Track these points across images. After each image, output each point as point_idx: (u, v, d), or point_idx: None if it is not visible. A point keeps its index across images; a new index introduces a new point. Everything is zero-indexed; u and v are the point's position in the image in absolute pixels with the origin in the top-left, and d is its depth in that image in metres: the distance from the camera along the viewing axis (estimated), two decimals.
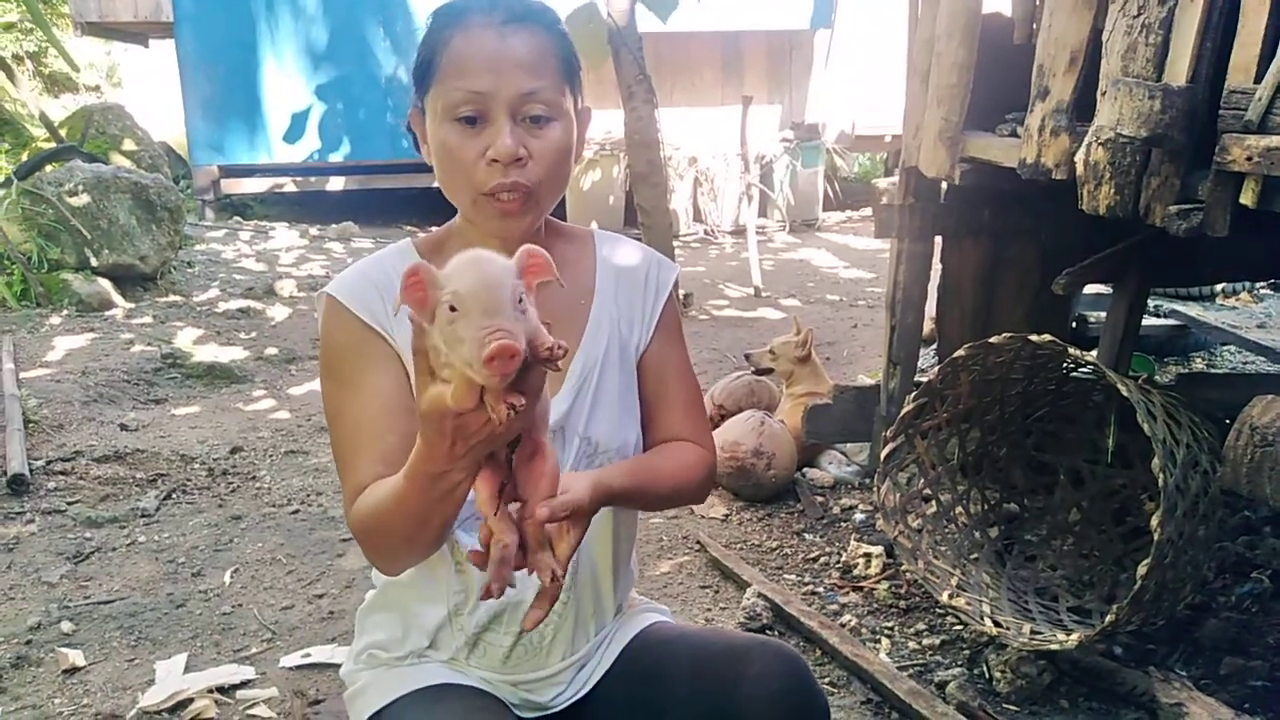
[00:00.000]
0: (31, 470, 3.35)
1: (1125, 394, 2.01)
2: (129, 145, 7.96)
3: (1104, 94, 1.95)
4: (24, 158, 6.62)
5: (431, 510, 1.02)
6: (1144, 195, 1.92)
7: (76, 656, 2.33)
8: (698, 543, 2.97)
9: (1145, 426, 1.95)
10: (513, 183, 1.13)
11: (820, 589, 2.70)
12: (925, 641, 2.42)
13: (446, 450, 0.93)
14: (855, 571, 2.76)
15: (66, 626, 2.48)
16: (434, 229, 1.33)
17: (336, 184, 9.20)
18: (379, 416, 1.16)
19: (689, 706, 1.20)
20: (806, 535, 3.05)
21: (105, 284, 5.69)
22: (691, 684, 1.22)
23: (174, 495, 3.32)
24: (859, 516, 3.13)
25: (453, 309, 0.83)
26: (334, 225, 8.57)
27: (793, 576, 2.78)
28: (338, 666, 2.11)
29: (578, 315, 1.28)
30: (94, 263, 5.71)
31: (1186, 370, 4.55)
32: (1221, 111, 1.74)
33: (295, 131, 9.01)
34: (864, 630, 2.48)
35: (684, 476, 1.29)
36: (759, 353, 3.86)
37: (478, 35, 1.11)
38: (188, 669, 2.30)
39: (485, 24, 1.11)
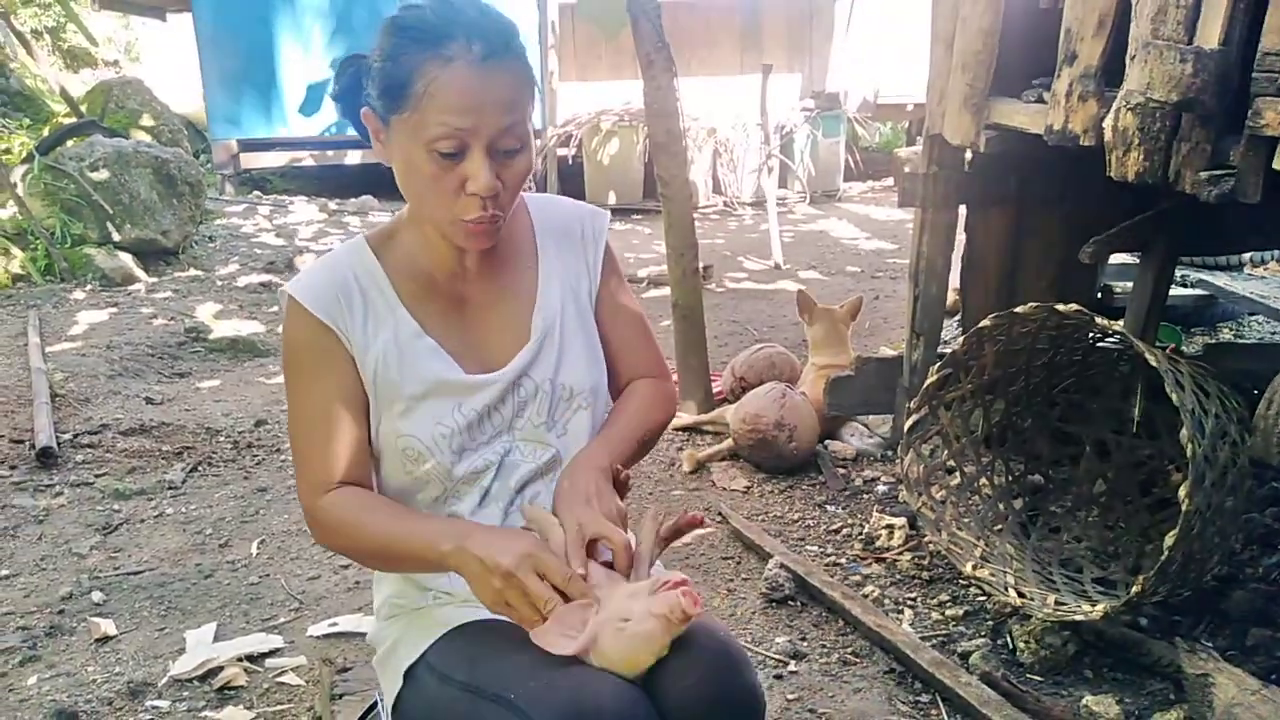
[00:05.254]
0: (59, 443, 3.39)
1: (1153, 363, 1.98)
2: (148, 120, 7.98)
3: (1133, 57, 1.92)
4: (45, 133, 6.65)
5: (414, 569, 1.31)
6: (1174, 161, 1.89)
7: (108, 626, 2.37)
8: (719, 514, 2.97)
9: (1173, 396, 1.93)
10: (491, 215, 1.20)
11: (843, 560, 2.71)
12: (949, 612, 2.42)
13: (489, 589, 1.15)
14: (878, 543, 2.75)
15: (97, 596, 2.52)
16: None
17: (354, 158, 9.19)
18: (331, 418, 1.27)
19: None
20: (828, 507, 3.04)
21: (127, 258, 5.72)
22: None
23: (200, 468, 3.36)
24: (881, 488, 3.13)
25: None
26: (353, 199, 8.58)
27: (815, 548, 2.79)
28: (364, 635, 2.14)
29: (527, 278, 1.38)
30: (116, 237, 5.75)
31: (1214, 340, 4.49)
32: (1255, 74, 1.70)
33: (312, 105, 8.99)
34: (887, 601, 2.49)
35: (660, 415, 1.44)
36: (806, 302, 3.78)
37: (460, 73, 1.12)
38: (217, 638, 2.34)
39: (467, 61, 1.12)
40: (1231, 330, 4.71)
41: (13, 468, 3.26)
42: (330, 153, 9.20)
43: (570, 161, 8.83)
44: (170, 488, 3.18)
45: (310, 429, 1.27)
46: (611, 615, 1.13)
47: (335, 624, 2.39)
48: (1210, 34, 1.77)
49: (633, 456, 1.37)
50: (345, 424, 1.27)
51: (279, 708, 2.10)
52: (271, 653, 2.29)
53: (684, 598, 1.10)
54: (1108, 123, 1.99)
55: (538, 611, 1.11)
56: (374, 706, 1.55)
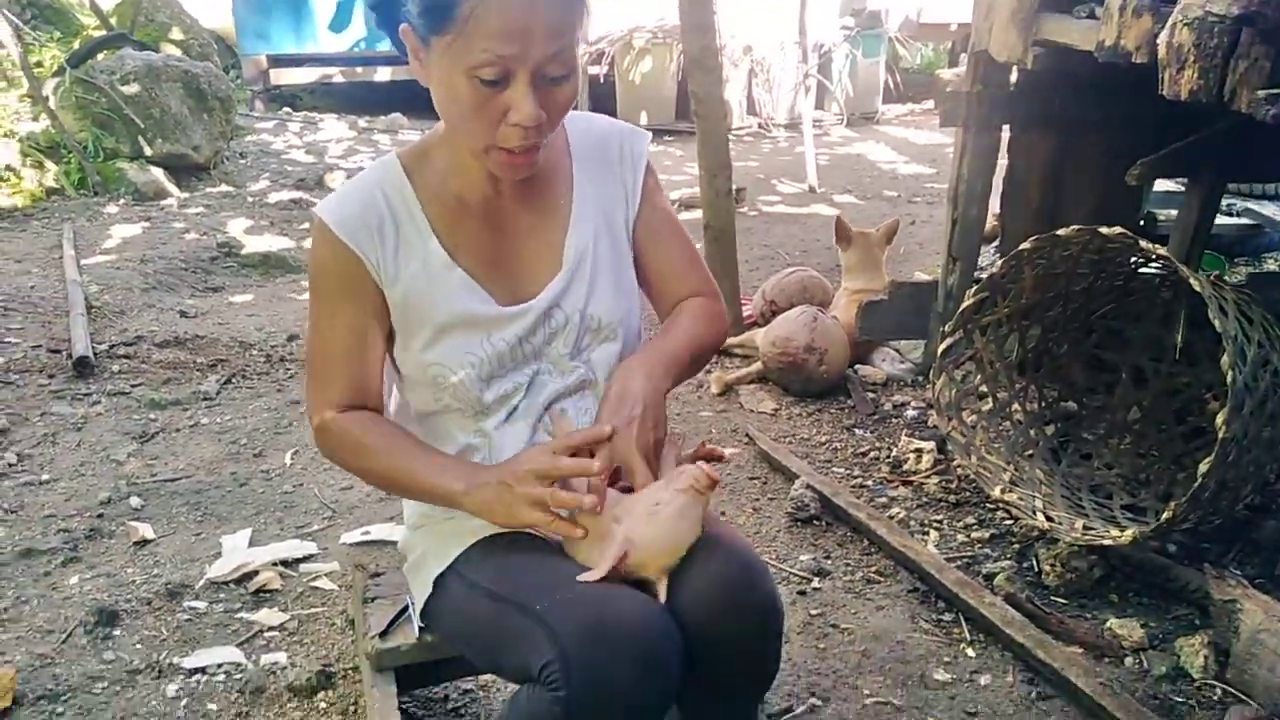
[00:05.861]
0: (95, 354, 3.43)
1: (1197, 288, 1.94)
2: (177, 34, 7.89)
3: None
4: (75, 46, 6.60)
5: (416, 499, 1.38)
6: (1230, 79, 1.81)
7: (146, 530, 2.42)
8: (747, 435, 2.98)
9: (1216, 322, 1.89)
10: (532, 144, 1.16)
11: (869, 483, 2.71)
12: (974, 535, 2.42)
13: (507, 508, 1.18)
14: (905, 466, 2.75)
15: (135, 502, 2.57)
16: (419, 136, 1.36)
17: (384, 75, 9.08)
18: (351, 344, 1.28)
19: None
20: (857, 430, 3.04)
21: (159, 173, 5.73)
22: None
23: (234, 380, 3.40)
24: (911, 413, 3.11)
25: None
26: (382, 117, 8.51)
27: (841, 470, 2.79)
28: (395, 543, 2.18)
29: (562, 202, 1.34)
30: (148, 152, 5.75)
31: (1258, 271, 4.40)
32: None
33: (342, 20, 8.86)
34: (912, 523, 2.49)
35: (711, 333, 1.41)
36: (843, 229, 3.66)
37: None
38: (252, 544, 2.38)
39: None
40: (1277, 261, 4.61)
41: (50, 376, 3.31)
42: (360, 69, 9.10)
43: (601, 80, 8.67)
44: (205, 399, 3.22)
45: (329, 349, 1.29)
46: (643, 510, 1.17)
47: (367, 532, 2.44)
48: None
49: (684, 372, 1.36)
50: (363, 349, 1.29)
51: (312, 610, 2.15)
52: (305, 558, 2.34)
53: (705, 464, 1.16)
54: (1162, 39, 1.92)
55: (575, 498, 1.15)
56: (405, 610, 1.58)
